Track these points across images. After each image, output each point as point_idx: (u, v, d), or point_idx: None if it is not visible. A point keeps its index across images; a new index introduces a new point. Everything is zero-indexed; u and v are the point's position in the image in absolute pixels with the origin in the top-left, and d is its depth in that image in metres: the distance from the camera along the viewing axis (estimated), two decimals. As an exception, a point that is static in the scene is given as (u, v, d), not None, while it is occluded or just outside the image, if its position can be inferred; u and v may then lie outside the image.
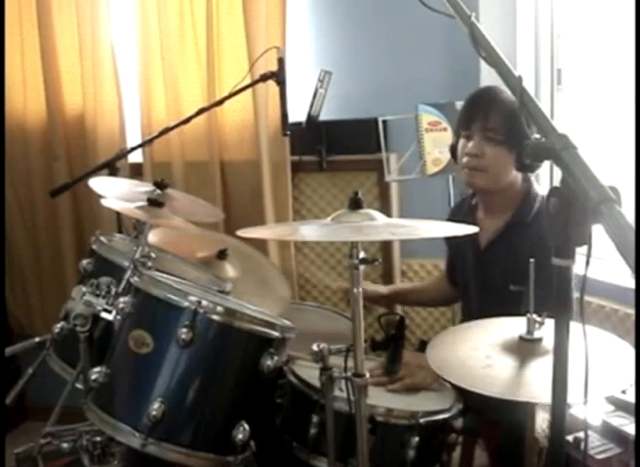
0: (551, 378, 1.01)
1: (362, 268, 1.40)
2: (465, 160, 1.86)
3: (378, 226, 1.43)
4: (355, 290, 1.40)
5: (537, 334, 1.40)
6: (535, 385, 1.27)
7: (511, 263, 1.82)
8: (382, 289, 2.30)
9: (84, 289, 1.73)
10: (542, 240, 1.68)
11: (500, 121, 1.78)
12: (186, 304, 1.53)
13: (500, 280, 1.86)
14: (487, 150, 1.81)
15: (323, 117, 2.45)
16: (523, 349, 1.39)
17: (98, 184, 1.97)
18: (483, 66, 1.74)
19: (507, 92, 1.80)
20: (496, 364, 1.35)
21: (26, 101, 2.90)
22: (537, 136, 0.96)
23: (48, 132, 2.88)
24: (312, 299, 2.80)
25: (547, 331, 1.40)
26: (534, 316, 1.40)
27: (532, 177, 1.93)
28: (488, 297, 1.93)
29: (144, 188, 1.97)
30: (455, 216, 2.10)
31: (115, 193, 1.94)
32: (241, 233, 1.45)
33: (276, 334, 1.60)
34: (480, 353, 1.40)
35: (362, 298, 1.88)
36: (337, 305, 2.69)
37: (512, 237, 1.87)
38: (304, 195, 2.78)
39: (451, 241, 2.12)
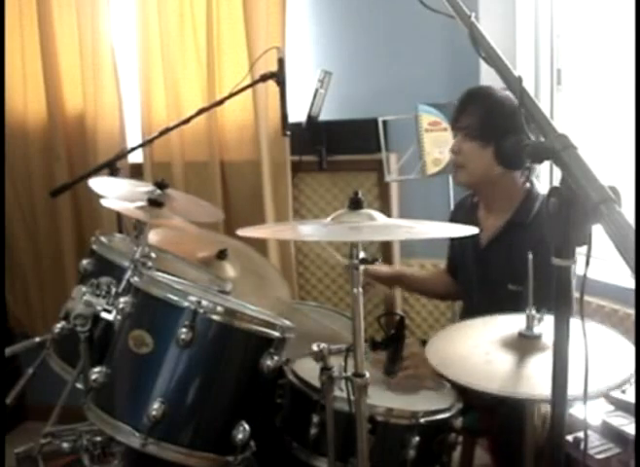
0: (551, 380, 1.01)
1: (362, 268, 1.40)
2: (451, 157, 1.97)
3: (378, 226, 1.43)
4: (355, 290, 1.40)
5: (536, 330, 1.41)
6: (534, 380, 1.27)
7: (510, 262, 1.83)
8: (385, 268, 2.29)
9: (84, 289, 1.73)
10: (542, 242, 1.70)
11: (473, 118, 1.86)
12: (186, 304, 1.53)
13: (499, 279, 1.87)
14: (464, 146, 1.89)
15: (323, 117, 2.45)
16: (523, 346, 1.39)
17: (98, 184, 1.97)
18: (483, 66, 1.73)
19: (489, 91, 1.85)
20: (496, 360, 1.36)
21: (27, 101, 2.90)
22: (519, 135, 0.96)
23: (48, 132, 2.88)
24: (312, 299, 2.80)
25: (546, 327, 1.40)
26: (533, 312, 1.40)
27: (534, 178, 1.94)
28: (488, 295, 1.93)
29: (144, 188, 1.97)
30: (457, 214, 2.11)
31: (115, 193, 1.94)
32: (241, 232, 1.45)
33: (276, 334, 1.60)
34: (480, 350, 1.40)
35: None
36: (338, 306, 2.69)
37: (512, 237, 1.87)
38: (304, 195, 2.78)
39: (453, 238, 2.12)
